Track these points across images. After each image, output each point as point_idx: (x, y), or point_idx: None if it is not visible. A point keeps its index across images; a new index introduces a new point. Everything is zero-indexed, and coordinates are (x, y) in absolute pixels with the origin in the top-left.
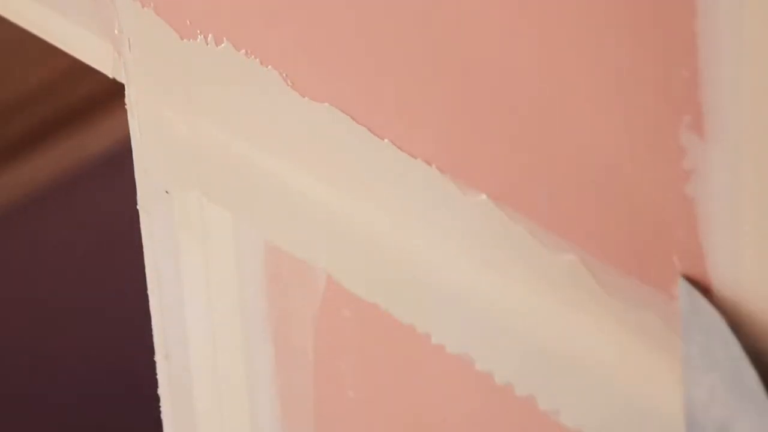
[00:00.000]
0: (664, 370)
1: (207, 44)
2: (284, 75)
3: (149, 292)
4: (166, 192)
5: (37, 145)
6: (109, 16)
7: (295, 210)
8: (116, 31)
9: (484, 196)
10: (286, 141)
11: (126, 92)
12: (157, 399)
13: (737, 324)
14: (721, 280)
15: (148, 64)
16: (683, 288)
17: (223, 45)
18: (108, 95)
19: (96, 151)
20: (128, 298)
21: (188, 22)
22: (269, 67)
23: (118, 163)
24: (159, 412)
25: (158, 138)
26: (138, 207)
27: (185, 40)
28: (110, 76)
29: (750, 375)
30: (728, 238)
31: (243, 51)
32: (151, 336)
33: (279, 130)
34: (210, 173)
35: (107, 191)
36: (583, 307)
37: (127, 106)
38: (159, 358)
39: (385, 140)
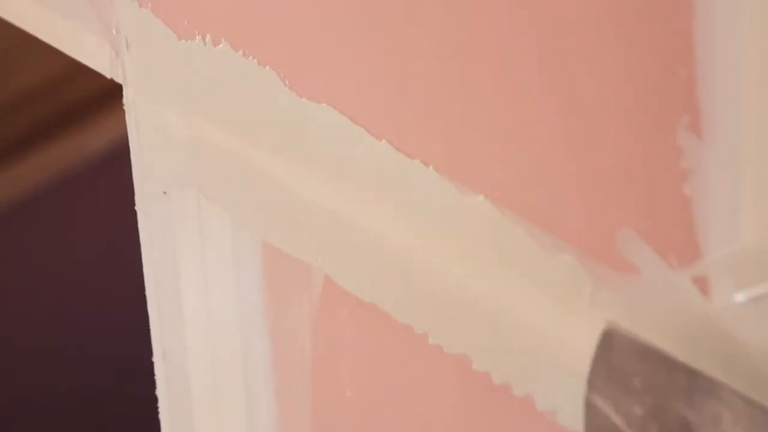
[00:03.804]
0: None
1: (205, 45)
2: (282, 75)
3: (147, 291)
4: (164, 192)
5: (35, 145)
6: (106, 16)
7: (292, 210)
8: (114, 31)
9: (481, 197)
10: (284, 141)
11: (124, 92)
12: (155, 398)
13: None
14: (719, 280)
15: (146, 65)
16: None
17: (221, 45)
18: (106, 96)
19: (93, 151)
20: (126, 297)
21: (186, 23)
22: (267, 67)
23: (116, 163)
24: (157, 412)
25: (156, 138)
26: (136, 207)
27: (183, 41)
28: (108, 76)
29: None
30: (726, 238)
31: (241, 51)
32: (149, 335)
33: (277, 130)
34: (208, 173)
35: (105, 191)
36: (581, 308)
37: (125, 107)
38: (157, 358)
39: (383, 141)
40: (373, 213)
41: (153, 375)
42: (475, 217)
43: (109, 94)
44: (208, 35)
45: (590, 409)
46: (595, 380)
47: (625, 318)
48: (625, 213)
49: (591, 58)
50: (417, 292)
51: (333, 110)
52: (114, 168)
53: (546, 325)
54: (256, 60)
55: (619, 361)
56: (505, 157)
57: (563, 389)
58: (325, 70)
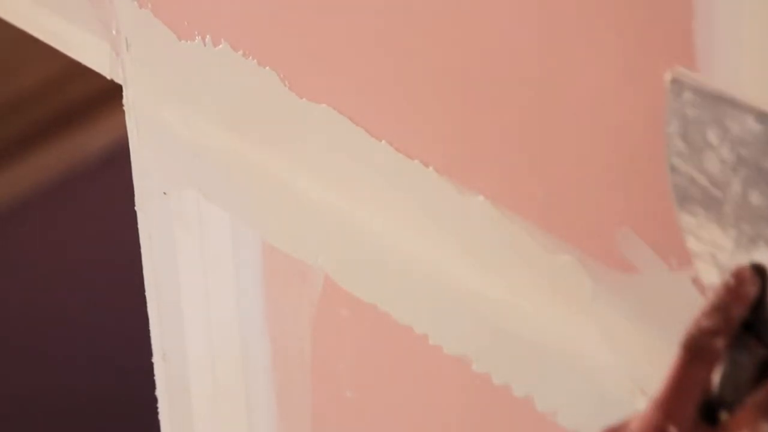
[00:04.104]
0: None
1: (205, 45)
2: (282, 76)
3: (147, 291)
4: (164, 192)
5: (35, 145)
6: (106, 17)
7: (292, 210)
8: (114, 32)
9: (481, 198)
10: (284, 141)
11: (124, 93)
12: (155, 398)
13: None
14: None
15: (146, 65)
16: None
17: (221, 46)
18: (106, 96)
19: (93, 151)
20: (126, 298)
21: (186, 23)
22: (267, 68)
23: (116, 163)
24: (157, 412)
25: (156, 139)
26: (136, 207)
27: (183, 41)
28: (108, 76)
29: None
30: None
31: (241, 52)
32: (149, 336)
33: (277, 131)
34: (208, 173)
35: (105, 191)
36: (581, 308)
37: (125, 107)
38: (157, 358)
39: (383, 141)
40: (373, 213)
41: (153, 375)
42: (475, 217)
43: (109, 94)
44: (207, 35)
45: (673, 172)
46: (672, 139)
47: (625, 318)
48: (625, 213)
49: (591, 59)
50: (417, 292)
51: (333, 111)
52: (114, 168)
53: (546, 325)
54: (256, 60)
55: (691, 112)
56: (504, 158)
57: (563, 389)
58: (325, 70)
